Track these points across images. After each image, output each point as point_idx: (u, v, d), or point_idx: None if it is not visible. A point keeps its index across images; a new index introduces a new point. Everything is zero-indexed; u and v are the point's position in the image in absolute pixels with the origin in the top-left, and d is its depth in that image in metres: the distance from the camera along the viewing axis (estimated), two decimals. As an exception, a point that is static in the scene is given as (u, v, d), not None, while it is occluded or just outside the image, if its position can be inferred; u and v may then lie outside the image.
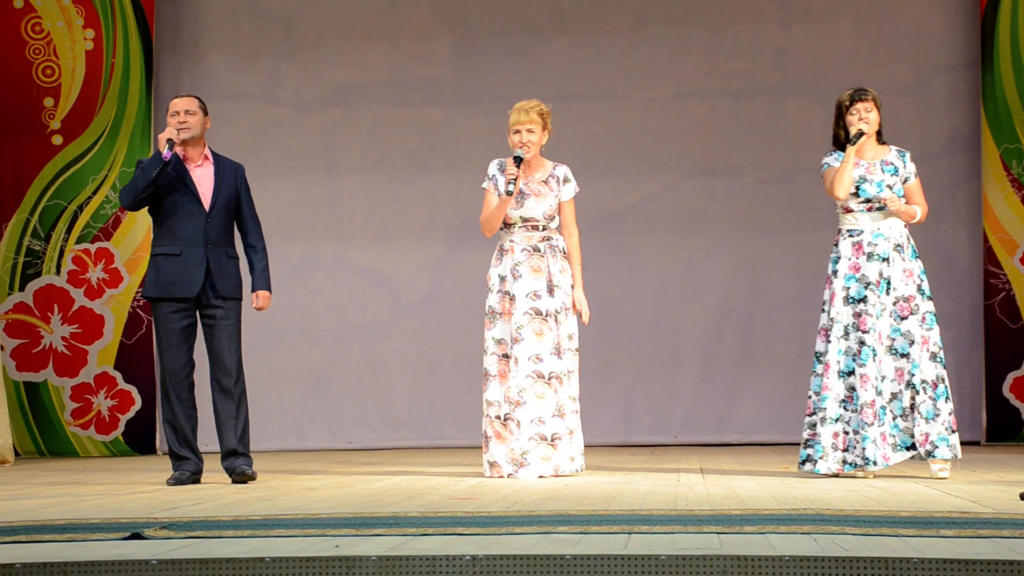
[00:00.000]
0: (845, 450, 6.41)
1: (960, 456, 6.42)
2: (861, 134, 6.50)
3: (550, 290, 6.70)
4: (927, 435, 6.33)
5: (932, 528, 3.85)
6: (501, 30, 10.24)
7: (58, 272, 9.76)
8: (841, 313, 6.49)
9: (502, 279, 6.75)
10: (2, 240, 9.62)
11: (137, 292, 9.71)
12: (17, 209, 9.72)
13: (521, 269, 6.71)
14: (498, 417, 6.64)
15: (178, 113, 6.60)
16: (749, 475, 6.62)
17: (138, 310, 9.76)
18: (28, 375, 9.73)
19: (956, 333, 9.75)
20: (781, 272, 10.11)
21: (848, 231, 6.55)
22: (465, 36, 10.26)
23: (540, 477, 6.58)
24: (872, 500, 4.98)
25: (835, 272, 6.53)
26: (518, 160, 6.67)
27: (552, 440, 6.60)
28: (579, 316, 6.79)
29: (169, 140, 6.49)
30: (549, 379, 6.62)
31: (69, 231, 9.77)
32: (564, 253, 6.82)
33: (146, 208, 6.67)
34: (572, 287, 6.79)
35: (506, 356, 6.66)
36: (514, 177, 6.63)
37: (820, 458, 6.42)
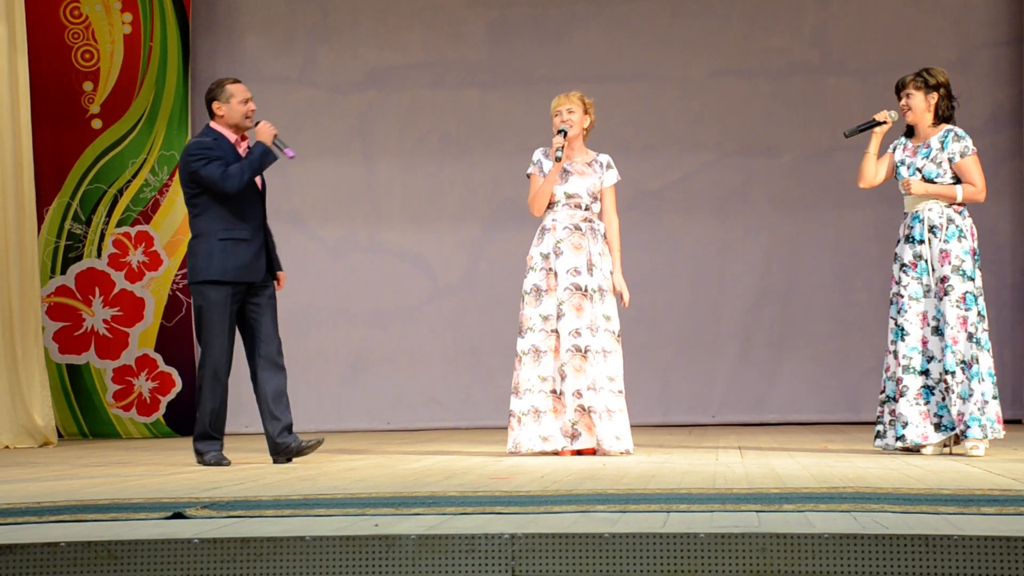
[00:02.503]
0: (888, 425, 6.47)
1: (1000, 436, 6.38)
2: (873, 123, 6.57)
3: (589, 269, 6.81)
4: (961, 415, 6.32)
5: (973, 506, 3.84)
6: (537, 11, 10.22)
7: (99, 255, 9.82)
8: (896, 295, 6.55)
9: (544, 257, 6.87)
10: (44, 224, 9.69)
11: (177, 275, 9.76)
12: (58, 193, 9.78)
13: (563, 246, 6.84)
14: (553, 391, 6.75)
15: (248, 101, 6.61)
16: (788, 454, 6.61)
17: (177, 292, 9.82)
18: (70, 358, 9.81)
19: (997, 311, 9.67)
20: (819, 252, 10.07)
21: (903, 214, 6.61)
22: (502, 17, 10.24)
23: (584, 452, 6.67)
24: (912, 478, 4.96)
25: (895, 255, 6.60)
26: (563, 132, 6.85)
27: (590, 412, 6.69)
28: (619, 298, 6.87)
29: (276, 136, 6.54)
30: (585, 353, 6.72)
31: (109, 215, 9.83)
32: (604, 237, 6.92)
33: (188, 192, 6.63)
34: (612, 272, 6.87)
35: (555, 331, 6.76)
36: (560, 146, 6.81)
37: (890, 433, 6.48)
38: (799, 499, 4.06)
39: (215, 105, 6.61)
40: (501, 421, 9.84)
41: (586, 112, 6.95)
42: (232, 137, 6.59)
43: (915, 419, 6.37)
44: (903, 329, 6.44)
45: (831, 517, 3.64)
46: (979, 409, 6.31)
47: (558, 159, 6.80)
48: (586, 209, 6.89)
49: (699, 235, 10.16)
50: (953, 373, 6.34)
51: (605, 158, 6.99)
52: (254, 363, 6.62)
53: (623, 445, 6.72)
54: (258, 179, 6.67)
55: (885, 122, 6.59)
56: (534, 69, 10.10)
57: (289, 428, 6.61)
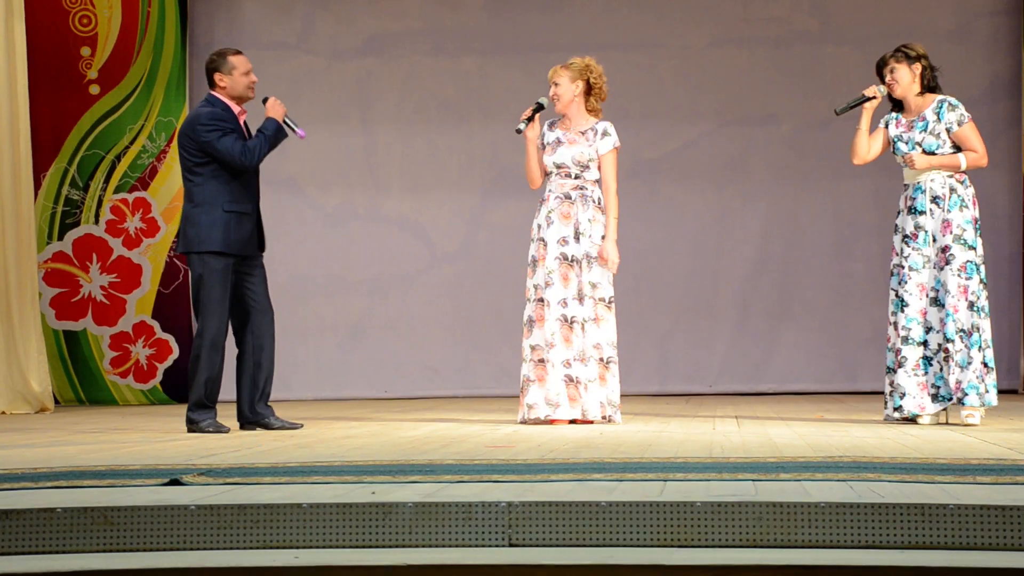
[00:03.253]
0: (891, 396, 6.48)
1: (994, 404, 6.40)
2: (863, 99, 6.56)
3: (576, 237, 6.77)
4: (959, 382, 6.34)
5: (968, 475, 3.84)
6: (536, -22, 10.17)
7: (96, 221, 9.81)
8: (894, 267, 6.55)
9: (539, 227, 6.87)
10: (41, 190, 9.67)
11: (174, 242, 9.74)
12: (56, 159, 9.76)
13: (553, 216, 6.83)
14: (540, 360, 6.73)
15: (249, 72, 6.60)
16: (785, 423, 6.62)
17: (175, 260, 9.81)
18: (67, 324, 9.81)
19: (994, 282, 9.66)
20: (818, 221, 10.06)
21: (904, 185, 6.60)
22: (500, -16, 10.20)
23: (572, 422, 6.66)
24: (908, 447, 4.97)
25: (895, 227, 6.60)
26: (539, 105, 6.85)
27: (576, 383, 6.68)
28: (610, 265, 6.80)
29: (287, 115, 6.55)
30: (572, 323, 6.72)
31: (107, 181, 9.81)
32: (598, 204, 6.84)
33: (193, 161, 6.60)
34: (603, 238, 6.81)
35: (541, 300, 6.76)
36: (526, 117, 6.80)
37: (888, 404, 6.49)
38: (795, 468, 4.07)
39: (217, 76, 6.57)
40: (499, 390, 9.89)
41: (577, 80, 6.80)
42: (236, 108, 6.59)
43: (913, 390, 6.39)
44: (903, 300, 6.45)
45: (827, 486, 3.64)
46: (977, 377, 6.32)
47: (517, 131, 6.81)
48: (576, 178, 6.83)
49: (697, 204, 10.15)
50: (953, 341, 6.34)
51: (602, 125, 6.85)
52: (243, 333, 6.63)
53: (604, 412, 6.69)
54: None
55: (875, 97, 6.59)
56: (533, 37, 10.07)
57: (266, 396, 6.63)
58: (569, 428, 6.48)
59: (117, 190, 9.81)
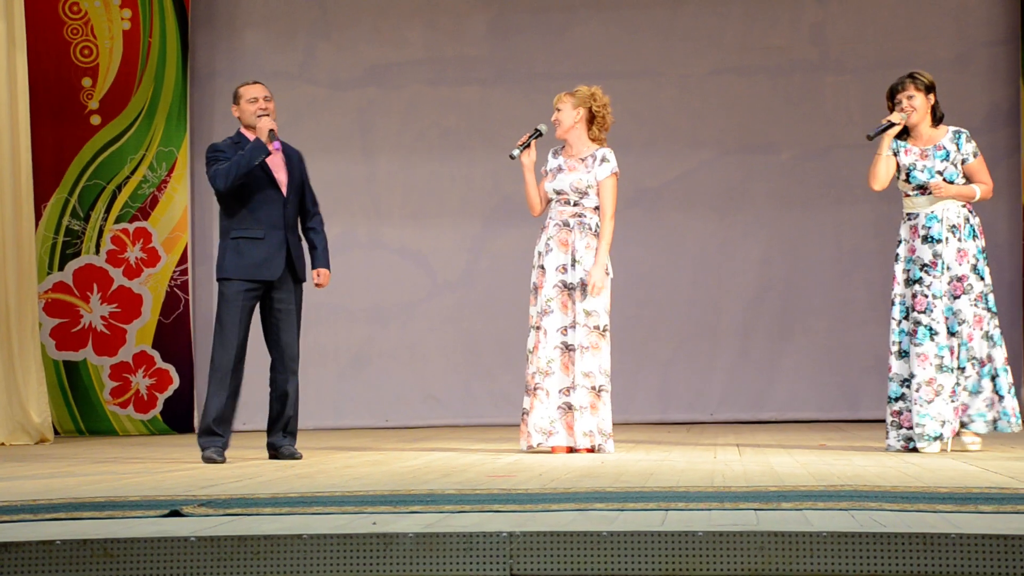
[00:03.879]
0: (910, 428, 6.47)
1: (1017, 430, 6.43)
2: (890, 125, 6.56)
3: (573, 264, 6.79)
4: (967, 406, 6.39)
5: (970, 504, 3.83)
6: (538, 7, 10.21)
7: (97, 251, 9.82)
8: (903, 295, 6.57)
9: (539, 254, 6.90)
10: (42, 220, 9.68)
11: (174, 272, 9.75)
12: (56, 189, 9.77)
13: (551, 243, 6.86)
14: (537, 387, 6.73)
15: (257, 100, 6.65)
16: (786, 451, 6.60)
17: (175, 289, 9.81)
18: (67, 354, 9.80)
19: (995, 309, 9.67)
20: (818, 249, 10.07)
21: (907, 214, 6.62)
22: (502, 13, 10.24)
23: (570, 450, 6.68)
24: (909, 476, 4.96)
25: (897, 256, 6.62)
26: (537, 132, 6.90)
27: (571, 410, 6.70)
28: (586, 287, 6.74)
29: (271, 131, 6.56)
30: (570, 351, 6.74)
31: (108, 211, 9.82)
32: (594, 231, 6.85)
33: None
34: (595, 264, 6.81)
35: (538, 328, 6.79)
36: (523, 143, 6.85)
37: (887, 437, 6.56)
38: (797, 497, 4.06)
39: (232, 109, 6.79)
40: (500, 418, 9.87)
41: (581, 106, 6.83)
42: (252, 137, 6.65)
43: (951, 417, 6.37)
44: (931, 329, 6.42)
45: (829, 515, 3.63)
46: (987, 406, 6.36)
47: (511, 157, 6.85)
48: (575, 205, 6.84)
49: (699, 232, 10.15)
50: (964, 369, 6.39)
51: (602, 152, 6.85)
52: (272, 366, 6.74)
53: (591, 442, 6.66)
54: (283, 178, 6.70)
55: (898, 123, 6.60)
56: (534, 65, 10.10)
57: (287, 431, 6.73)
58: (570, 457, 6.47)
59: (118, 220, 9.82)
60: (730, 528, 3.36)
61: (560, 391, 6.71)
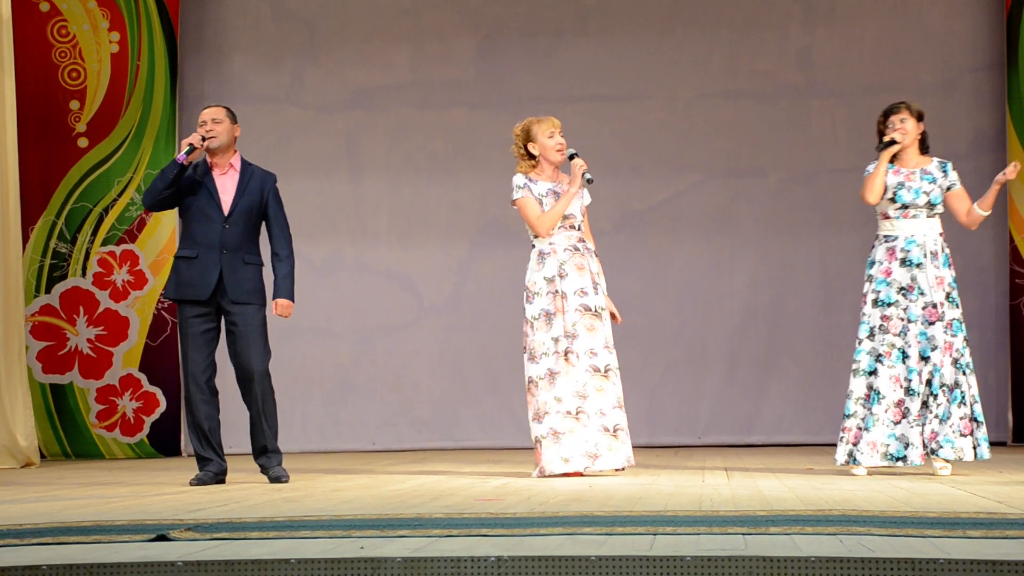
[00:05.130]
0: (855, 444, 6.63)
1: (987, 457, 6.46)
2: (893, 142, 6.70)
3: (595, 288, 6.89)
4: (935, 433, 6.49)
5: (959, 529, 3.84)
6: (525, 31, 10.24)
7: (84, 274, 9.80)
8: (869, 316, 6.66)
9: (549, 281, 6.85)
10: (28, 243, 9.66)
11: (161, 294, 9.74)
12: (44, 212, 9.76)
13: (567, 268, 6.87)
14: (569, 412, 6.73)
15: (205, 123, 6.69)
16: (774, 475, 6.61)
17: (163, 312, 9.80)
18: (54, 377, 9.77)
19: (981, 334, 9.70)
20: (805, 273, 10.09)
21: (884, 236, 6.72)
22: (489, 37, 10.26)
23: (617, 471, 6.77)
24: (898, 501, 4.96)
25: (869, 277, 6.72)
26: (573, 155, 6.90)
27: (615, 431, 6.77)
28: (612, 316, 6.96)
29: (190, 144, 6.56)
30: (606, 372, 6.82)
31: (95, 233, 9.81)
32: (596, 256, 7.00)
33: (176, 210, 6.78)
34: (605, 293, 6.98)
35: (567, 353, 6.77)
36: (585, 168, 6.82)
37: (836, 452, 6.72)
38: (785, 522, 4.06)
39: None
40: (487, 442, 9.86)
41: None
42: (209, 160, 6.75)
43: (916, 440, 6.50)
44: (904, 352, 6.54)
45: (817, 540, 3.63)
46: (955, 432, 6.46)
47: (590, 181, 6.80)
48: (577, 229, 6.94)
49: (686, 255, 10.17)
50: (935, 395, 6.47)
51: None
52: (239, 384, 6.76)
53: (633, 459, 6.91)
54: (227, 199, 6.70)
55: (900, 142, 6.77)
56: (521, 89, 10.12)
57: (263, 450, 6.72)
58: (559, 481, 6.46)
59: (105, 243, 9.81)
60: (718, 553, 3.36)
61: (598, 412, 6.75)
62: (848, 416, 6.68)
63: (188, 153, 6.58)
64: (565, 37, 10.22)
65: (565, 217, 6.88)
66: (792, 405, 10.00)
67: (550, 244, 6.89)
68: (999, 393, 9.77)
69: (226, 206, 6.69)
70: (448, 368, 10.21)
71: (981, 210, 6.76)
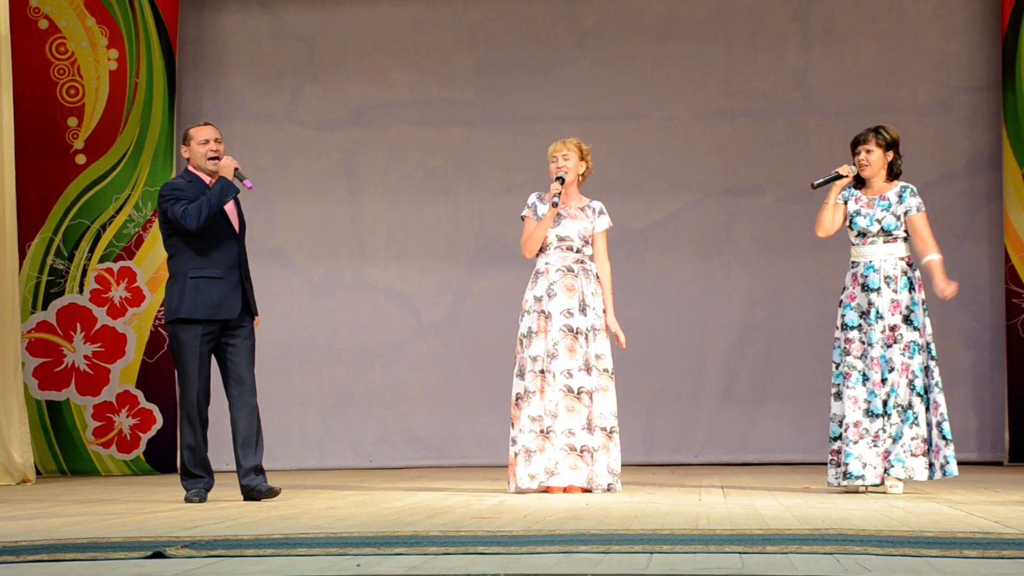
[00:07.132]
0: (838, 465, 6.80)
1: (955, 474, 6.62)
2: (837, 176, 6.92)
3: (582, 309, 6.97)
4: (887, 453, 6.63)
5: (955, 548, 3.84)
6: (523, 49, 10.27)
7: (81, 291, 9.80)
8: (839, 339, 6.91)
9: (537, 300, 7.02)
10: (26, 259, 9.67)
11: (159, 311, 9.74)
12: (41, 228, 9.77)
13: (555, 288, 6.98)
14: (542, 431, 6.85)
15: (208, 141, 6.69)
16: (771, 494, 6.61)
17: (160, 329, 9.80)
18: (50, 394, 9.77)
19: (978, 353, 9.71)
20: (802, 292, 10.10)
21: (852, 262, 6.95)
22: (487, 56, 10.29)
23: (566, 489, 6.78)
24: (894, 520, 4.96)
25: (840, 301, 6.96)
26: (560, 179, 7.01)
27: (581, 452, 6.83)
28: (615, 338, 7.07)
29: (237, 169, 6.59)
30: (579, 394, 6.88)
31: (92, 250, 9.81)
32: (597, 277, 7.07)
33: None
34: (604, 311, 7.05)
35: (543, 372, 6.88)
36: (557, 192, 6.95)
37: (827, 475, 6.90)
38: (782, 540, 4.06)
39: (183, 150, 6.79)
40: (484, 459, 9.85)
41: (582, 158, 7.12)
42: (206, 179, 6.70)
43: (873, 460, 6.65)
44: (865, 375, 6.74)
45: (814, 559, 3.63)
46: (907, 452, 6.60)
47: (554, 205, 6.94)
48: (578, 251, 7.04)
49: (683, 274, 10.18)
50: (889, 415, 6.65)
51: (598, 204, 7.16)
52: (229, 402, 6.69)
53: (605, 481, 6.86)
54: (234, 218, 6.74)
55: (847, 176, 6.95)
56: (520, 107, 10.15)
57: (256, 470, 6.64)
58: (555, 498, 6.48)
59: (102, 259, 9.82)
60: (715, 572, 3.36)
61: (564, 431, 6.82)
62: (833, 439, 6.85)
63: (242, 177, 6.63)
64: (563, 56, 10.25)
65: (562, 239, 7.00)
66: (789, 424, 10.00)
67: (545, 263, 7.03)
68: (996, 413, 9.77)
69: (236, 224, 6.76)
70: (445, 386, 10.21)
71: (925, 259, 6.78)
